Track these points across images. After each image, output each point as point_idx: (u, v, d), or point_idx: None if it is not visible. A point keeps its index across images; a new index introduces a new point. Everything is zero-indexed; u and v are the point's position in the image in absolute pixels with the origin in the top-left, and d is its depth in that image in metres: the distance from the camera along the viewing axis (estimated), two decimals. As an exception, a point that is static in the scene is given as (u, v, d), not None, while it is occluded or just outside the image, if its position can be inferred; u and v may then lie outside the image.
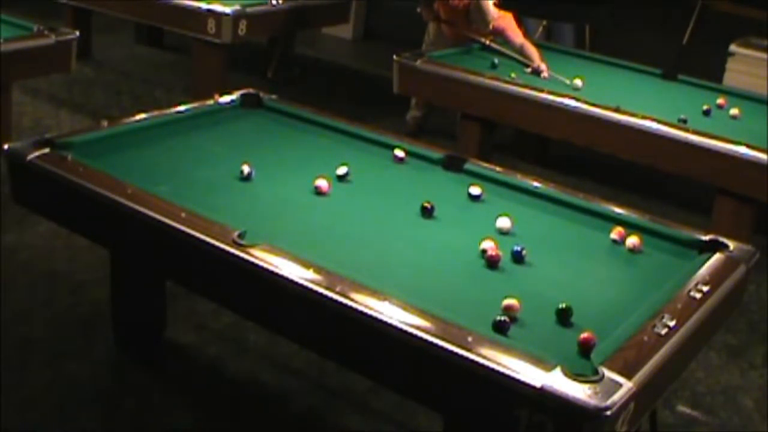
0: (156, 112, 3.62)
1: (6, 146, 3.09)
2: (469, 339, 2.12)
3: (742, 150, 4.03)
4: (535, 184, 3.18)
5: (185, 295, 3.54)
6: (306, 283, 2.33)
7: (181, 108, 3.62)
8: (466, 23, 5.52)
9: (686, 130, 4.19)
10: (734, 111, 4.67)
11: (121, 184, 2.80)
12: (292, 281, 2.36)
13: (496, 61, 5.15)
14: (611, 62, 5.55)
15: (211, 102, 3.73)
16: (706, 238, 2.82)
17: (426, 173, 3.29)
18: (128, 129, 3.38)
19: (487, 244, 2.66)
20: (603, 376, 2.01)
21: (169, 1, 5.87)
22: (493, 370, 2.03)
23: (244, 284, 2.53)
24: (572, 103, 4.49)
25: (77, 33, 4.86)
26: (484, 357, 2.06)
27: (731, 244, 2.77)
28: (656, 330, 2.23)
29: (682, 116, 4.36)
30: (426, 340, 2.13)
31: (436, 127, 6.06)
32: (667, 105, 4.63)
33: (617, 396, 1.95)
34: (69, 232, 3.55)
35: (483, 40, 5.48)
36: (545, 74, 5.05)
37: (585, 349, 2.15)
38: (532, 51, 5.24)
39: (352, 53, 8.38)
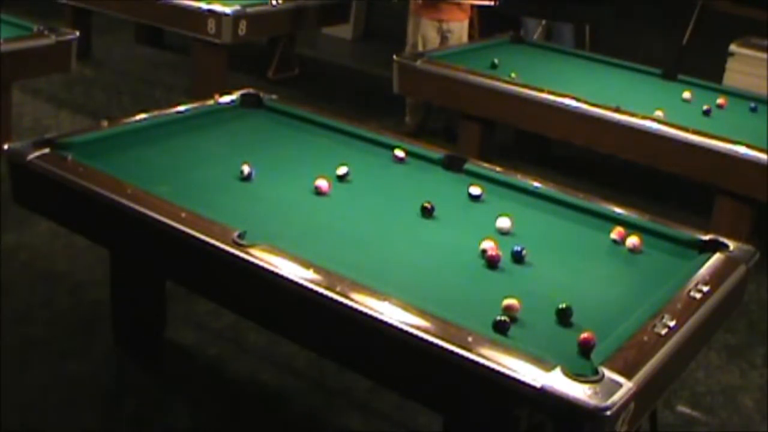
0: (156, 112, 3.62)
1: (6, 146, 3.09)
2: (469, 339, 2.12)
3: (742, 150, 4.03)
4: (535, 184, 3.18)
5: (185, 295, 3.54)
6: (306, 283, 2.33)
7: (181, 108, 3.62)
8: None
9: (686, 130, 4.19)
10: (720, 101, 4.76)
11: (121, 184, 2.80)
12: (292, 281, 2.35)
13: (496, 61, 5.15)
14: (611, 62, 5.55)
15: (211, 102, 3.73)
16: (706, 238, 2.82)
17: (426, 173, 3.29)
18: (128, 129, 3.38)
19: (487, 244, 2.66)
20: (603, 376, 2.01)
21: (169, 1, 5.88)
22: (493, 370, 2.03)
23: (244, 284, 2.53)
24: (572, 103, 4.49)
25: (77, 33, 4.87)
26: (484, 357, 2.06)
27: (731, 244, 2.77)
28: (656, 330, 2.23)
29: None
30: (426, 340, 2.13)
31: (435, 127, 6.06)
32: (667, 105, 4.63)
33: (617, 396, 1.95)
34: (69, 232, 3.55)
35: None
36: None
37: (585, 349, 2.15)
38: None
39: (352, 53, 8.38)
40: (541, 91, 4.62)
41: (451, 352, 2.09)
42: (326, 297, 2.29)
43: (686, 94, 4.95)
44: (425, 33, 5.74)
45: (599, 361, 2.08)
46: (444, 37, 5.78)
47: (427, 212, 2.91)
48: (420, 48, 5.65)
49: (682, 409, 3.40)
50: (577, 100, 4.51)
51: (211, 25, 5.64)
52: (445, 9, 5.73)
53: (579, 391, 1.95)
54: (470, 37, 6.14)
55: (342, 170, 3.13)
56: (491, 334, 2.19)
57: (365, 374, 2.56)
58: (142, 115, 3.52)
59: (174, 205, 2.70)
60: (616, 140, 4.41)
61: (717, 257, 2.70)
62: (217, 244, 2.50)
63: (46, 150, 2.99)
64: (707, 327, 2.47)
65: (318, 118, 3.66)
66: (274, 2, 6.02)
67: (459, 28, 5.84)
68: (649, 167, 4.62)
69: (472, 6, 5.94)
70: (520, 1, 6.58)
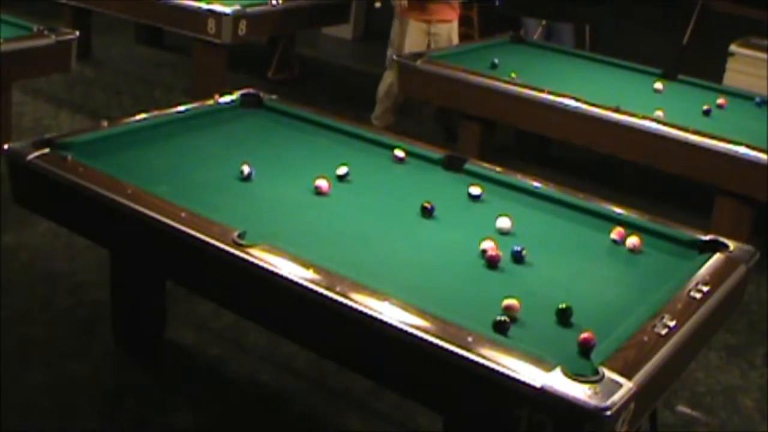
0: (156, 112, 3.62)
1: (6, 146, 3.09)
2: (469, 339, 2.12)
3: (742, 150, 4.03)
4: (535, 184, 3.18)
5: (185, 295, 3.54)
6: (306, 283, 2.33)
7: (181, 108, 3.62)
8: None
9: (686, 130, 4.19)
10: (720, 101, 4.77)
11: (121, 184, 2.80)
12: (292, 281, 2.35)
13: (496, 61, 5.15)
14: (611, 62, 5.55)
15: (211, 102, 3.73)
16: (706, 238, 2.82)
17: (426, 173, 3.29)
18: (128, 129, 3.38)
19: (487, 244, 2.66)
20: (603, 376, 2.01)
21: (169, 1, 5.88)
22: (493, 370, 2.03)
23: (244, 284, 2.53)
24: (572, 103, 4.49)
25: (77, 33, 4.86)
26: (484, 357, 2.06)
27: (731, 244, 2.77)
28: (656, 330, 2.23)
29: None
30: (426, 340, 2.13)
31: (436, 127, 6.07)
32: (667, 105, 4.63)
33: (617, 396, 1.95)
34: (69, 232, 3.55)
35: None
36: None
37: (585, 349, 2.15)
38: None
39: (352, 53, 8.38)
40: (541, 91, 4.61)
41: (451, 352, 2.09)
42: (326, 297, 2.29)
43: (658, 85, 5.04)
44: (413, 36, 5.67)
45: (599, 361, 2.08)
46: (430, 41, 5.71)
47: (427, 212, 2.91)
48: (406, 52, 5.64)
49: (682, 409, 3.40)
50: (577, 100, 4.50)
51: (211, 25, 5.64)
52: (434, 9, 5.68)
53: (579, 391, 1.95)
54: (470, 37, 6.14)
55: (342, 170, 3.13)
56: (491, 334, 2.19)
57: (365, 374, 2.56)
58: (142, 115, 3.53)
59: (174, 205, 2.70)
60: (616, 140, 4.41)
61: (717, 257, 2.70)
62: (217, 244, 2.50)
63: (46, 150, 2.99)
64: (707, 327, 2.47)
65: (318, 118, 3.66)
66: (274, 2, 6.02)
67: (447, 29, 5.79)
68: (649, 167, 4.62)
69: (463, 3, 5.91)
70: (520, 1, 6.58)
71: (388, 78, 5.76)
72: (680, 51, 6.62)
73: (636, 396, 2.00)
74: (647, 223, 2.94)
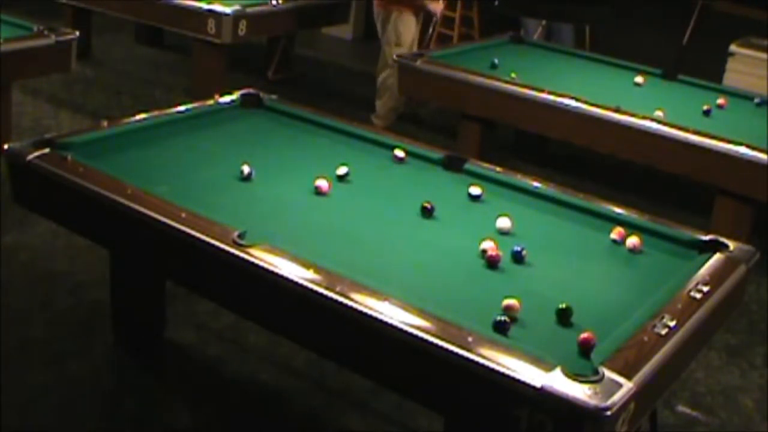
0: (156, 112, 3.63)
1: (6, 146, 3.09)
2: (469, 339, 2.12)
3: (742, 150, 4.03)
4: (535, 184, 3.18)
5: (185, 295, 3.54)
6: (306, 283, 2.33)
7: (181, 108, 3.62)
8: None
9: (686, 130, 4.19)
10: (720, 101, 4.78)
11: (121, 184, 2.80)
12: (292, 281, 2.36)
13: (496, 61, 5.15)
14: (611, 62, 5.55)
15: (211, 102, 3.73)
16: (706, 238, 2.82)
17: (426, 173, 3.29)
18: (128, 129, 3.38)
19: (487, 244, 2.66)
20: (603, 376, 2.01)
21: (169, 1, 5.88)
22: (493, 370, 2.03)
23: (244, 284, 2.53)
24: (572, 103, 4.50)
25: (77, 33, 4.86)
26: (484, 357, 2.06)
27: (731, 244, 2.77)
28: (656, 330, 2.23)
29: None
30: (426, 340, 2.13)
31: (436, 126, 6.06)
32: (667, 105, 4.63)
33: (617, 396, 1.95)
34: (69, 232, 3.55)
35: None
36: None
37: (585, 349, 2.15)
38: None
39: (352, 53, 8.38)
40: (541, 91, 4.62)
41: (451, 352, 2.09)
42: (326, 297, 2.29)
43: (638, 79, 5.10)
44: (409, 27, 5.76)
45: (599, 361, 2.08)
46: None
47: (427, 212, 2.91)
48: (407, 47, 5.67)
49: (682, 409, 3.40)
50: (577, 100, 4.50)
51: (211, 25, 5.64)
52: None
53: (579, 391, 1.95)
54: (470, 37, 6.14)
55: (342, 170, 3.13)
56: (491, 334, 2.19)
57: (365, 374, 2.56)
58: (142, 115, 3.53)
59: (174, 205, 2.70)
60: (616, 140, 4.41)
61: (717, 257, 2.70)
62: (217, 244, 2.50)
63: (46, 150, 2.99)
64: (707, 327, 2.47)
65: (318, 118, 3.66)
66: (274, 2, 6.02)
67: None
68: (648, 167, 4.62)
69: (463, 3, 5.95)
70: (520, 1, 6.58)
71: (392, 78, 5.78)
72: (680, 51, 6.62)
73: (636, 396, 2.00)
74: (647, 223, 2.94)
